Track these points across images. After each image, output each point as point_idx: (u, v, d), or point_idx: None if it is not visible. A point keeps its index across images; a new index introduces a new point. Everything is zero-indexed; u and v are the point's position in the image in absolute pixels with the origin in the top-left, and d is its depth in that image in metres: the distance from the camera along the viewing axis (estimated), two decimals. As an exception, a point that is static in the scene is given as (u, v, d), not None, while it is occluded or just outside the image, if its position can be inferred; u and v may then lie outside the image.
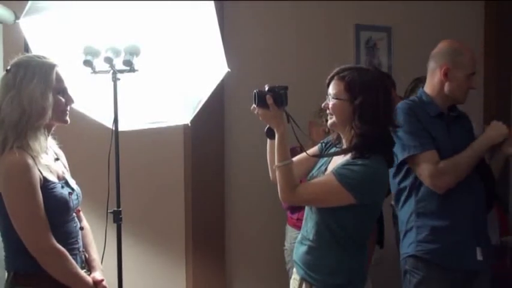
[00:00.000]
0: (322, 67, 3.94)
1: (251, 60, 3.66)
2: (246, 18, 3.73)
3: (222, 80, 2.48)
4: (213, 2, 2.30)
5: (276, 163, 1.99)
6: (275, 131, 2.02)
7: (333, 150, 2.16)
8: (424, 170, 2.24)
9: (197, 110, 2.47)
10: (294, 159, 2.11)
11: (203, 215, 3.53)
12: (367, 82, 1.99)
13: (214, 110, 3.38)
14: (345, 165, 1.97)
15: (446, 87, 2.34)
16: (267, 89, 2.02)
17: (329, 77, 2.09)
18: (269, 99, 1.98)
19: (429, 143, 2.26)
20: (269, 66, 3.76)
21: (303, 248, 2.10)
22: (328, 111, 2.09)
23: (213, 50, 2.38)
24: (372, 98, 1.96)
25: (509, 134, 2.30)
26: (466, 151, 2.25)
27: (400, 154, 2.28)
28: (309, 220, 2.11)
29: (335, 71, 2.09)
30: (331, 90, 2.07)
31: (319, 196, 1.99)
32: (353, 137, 1.99)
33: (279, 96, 2.01)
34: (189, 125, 2.56)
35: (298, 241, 2.16)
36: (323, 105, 2.11)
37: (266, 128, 2.09)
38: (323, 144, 2.24)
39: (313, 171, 2.18)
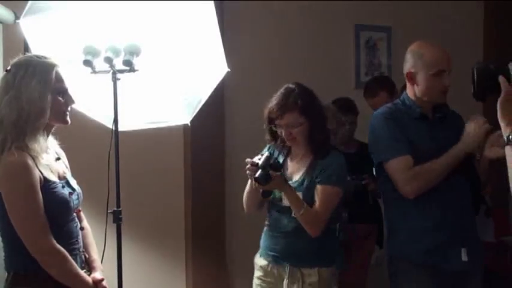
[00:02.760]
0: (322, 67, 3.99)
1: (251, 60, 3.66)
2: (246, 18, 3.73)
3: (222, 80, 2.48)
4: (212, 2, 2.30)
5: (297, 214, 2.26)
6: (282, 192, 2.30)
7: (280, 159, 2.40)
8: (395, 175, 2.27)
9: (197, 110, 2.47)
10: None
11: (203, 215, 3.53)
12: (306, 100, 2.34)
13: (214, 110, 3.38)
14: (323, 170, 2.30)
15: (417, 91, 2.32)
16: (260, 166, 2.20)
17: (274, 115, 2.33)
18: (273, 174, 2.20)
19: (404, 148, 2.26)
20: (269, 66, 3.77)
21: (283, 241, 2.35)
22: (287, 141, 2.36)
23: (212, 50, 2.38)
24: (319, 108, 2.38)
25: (485, 138, 2.22)
26: (441, 159, 2.22)
27: (375, 158, 2.33)
28: (284, 217, 2.35)
29: (275, 108, 2.33)
30: (286, 122, 2.31)
31: (330, 209, 2.31)
32: (310, 143, 2.34)
33: (276, 165, 2.25)
34: (189, 125, 2.56)
35: (271, 235, 2.40)
36: (284, 136, 2.35)
37: (262, 191, 2.28)
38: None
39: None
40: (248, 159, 2.25)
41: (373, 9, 4.06)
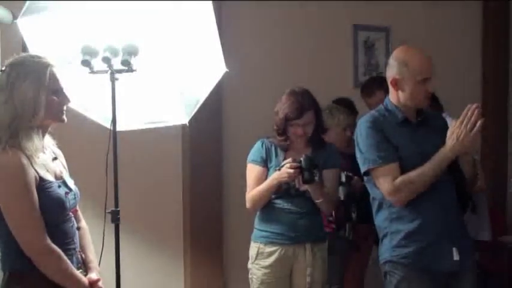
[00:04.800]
0: (320, 67, 3.99)
1: (249, 61, 3.66)
2: (244, 19, 3.73)
3: (220, 80, 2.48)
4: (211, 2, 2.31)
5: (319, 199, 2.57)
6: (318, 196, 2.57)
7: (282, 156, 2.64)
8: (381, 185, 2.29)
9: (195, 110, 2.47)
10: (254, 177, 2.64)
11: (201, 215, 3.54)
12: (314, 100, 2.67)
13: (213, 110, 3.39)
14: (328, 157, 2.66)
15: (400, 97, 2.33)
16: (306, 168, 2.46)
17: (294, 115, 2.58)
18: (315, 172, 2.51)
19: (389, 156, 2.27)
20: (267, 66, 3.77)
21: (303, 221, 2.60)
22: (299, 137, 2.63)
23: (211, 50, 2.38)
24: (320, 108, 2.71)
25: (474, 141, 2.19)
26: (426, 167, 2.22)
27: (361, 166, 2.35)
28: (301, 200, 2.60)
29: (295, 108, 2.58)
30: (304, 121, 2.59)
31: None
32: (310, 138, 2.65)
33: (316, 164, 2.52)
34: (187, 125, 2.56)
35: (290, 218, 2.60)
36: (298, 133, 2.62)
37: (303, 179, 2.50)
38: (262, 157, 2.67)
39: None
40: (288, 163, 2.49)
41: (371, 10, 4.06)
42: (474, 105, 2.16)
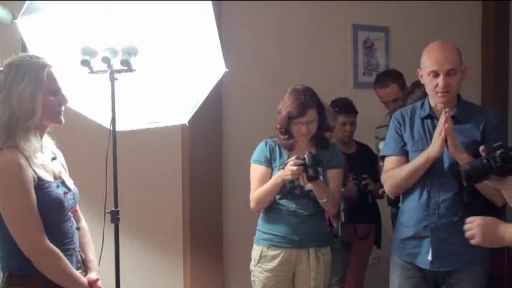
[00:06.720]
0: (319, 67, 3.99)
1: (249, 60, 3.66)
2: (244, 18, 3.73)
3: (220, 80, 2.48)
4: (210, 1, 2.31)
5: (323, 198, 2.53)
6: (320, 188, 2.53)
7: (286, 155, 2.61)
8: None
9: (195, 109, 2.47)
10: (258, 177, 2.61)
11: (201, 215, 3.53)
12: (317, 98, 2.65)
13: (212, 109, 3.38)
14: (332, 157, 2.65)
15: None
16: (310, 165, 2.43)
17: (296, 114, 2.55)
18: (320, 169, 2.48)
19: (394, 148, 2.42)
20: (267, 66, 3.77)
21: (307, 223, 2.58)
22: (303, 136, 2.60)
23: (210, 49, 2.38)
24: (323, 106, 2.68)
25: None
26: (407, 164, 2.35)
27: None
28: (306, 201, 2.58)
29: (297, 106, 2.55)
30: (307, 118, 2.56)
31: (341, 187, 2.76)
32: (314, 137, 2.63)
33: (320, 161, 2.49)
34: (187, 124, 2.56)
35: (293, 220, 2.58)
36: (302, 132, 2.58)
37: (307, 177, 2.46)
38: (266, 157, 2.65)
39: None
40: (292, 161, 2.46)
41: (371, 10, 4.06)
42: (444, 110, 2.23)
